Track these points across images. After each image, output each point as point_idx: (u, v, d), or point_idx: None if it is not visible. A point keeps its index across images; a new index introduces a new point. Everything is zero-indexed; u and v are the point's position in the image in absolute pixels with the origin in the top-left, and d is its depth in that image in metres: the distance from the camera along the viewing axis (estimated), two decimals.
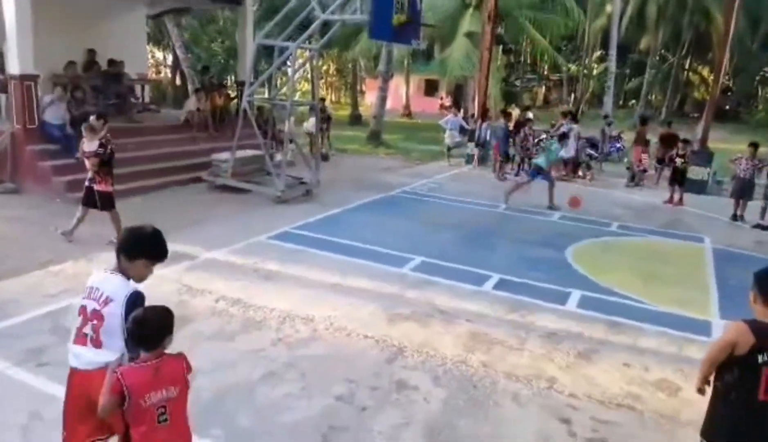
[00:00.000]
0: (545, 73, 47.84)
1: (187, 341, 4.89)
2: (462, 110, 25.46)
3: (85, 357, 2.60)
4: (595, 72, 42.56)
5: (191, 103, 13.23)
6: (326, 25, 11.34)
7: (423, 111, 34.83)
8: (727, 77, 36.04)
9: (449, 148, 16.65)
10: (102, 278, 2.65)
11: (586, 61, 41.69)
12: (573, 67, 43.01)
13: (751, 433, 2.98)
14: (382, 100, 21.41)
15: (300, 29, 11.08)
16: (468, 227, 9.50)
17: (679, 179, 12.50)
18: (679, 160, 12.53)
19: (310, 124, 14.47)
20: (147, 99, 15.14)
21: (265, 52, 17.68)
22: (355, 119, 28.73)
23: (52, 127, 9.86)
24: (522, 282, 6.85)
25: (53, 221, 8.07)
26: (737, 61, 36.98)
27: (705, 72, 41.09)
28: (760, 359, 2.77)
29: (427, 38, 23.43)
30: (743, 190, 11.26)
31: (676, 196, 12.51)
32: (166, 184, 10.66)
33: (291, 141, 11.86)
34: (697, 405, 4.36)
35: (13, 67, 9.41)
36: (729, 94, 40.84)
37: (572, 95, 44.38)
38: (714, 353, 2.91)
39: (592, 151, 16.28)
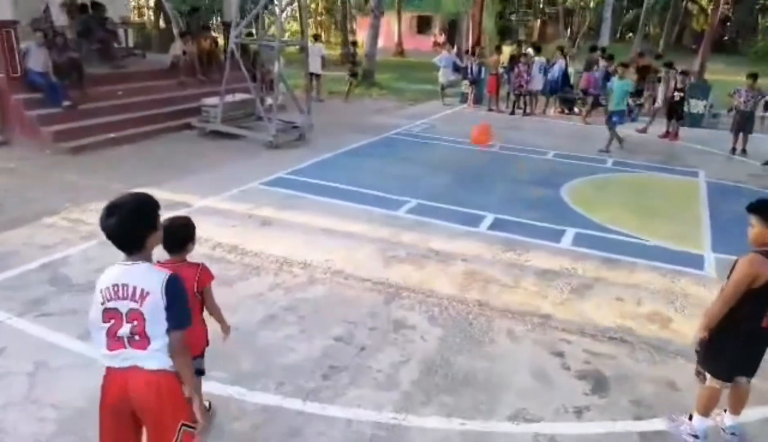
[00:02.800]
0: (541, 6, 46.50)
1: None
2: (456, 47, 24.89)
3: (122, 360, 2.29)
4: (592, 4, 41.43)
5: (177, 47, 12.86)
6: None
7: (416, 49, 34.00)
8: (726, 6, 35.14)
9: (443, 87, 16.37)
10: (124, 273, 2.28)
11: None
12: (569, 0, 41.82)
13: (752, 363, 3.12)
14: (374, 38, 20.85)
15: None
16: (462, 167, 9.46)
17: (678, 113, 12.36)
18: (677, 94, 12.36)
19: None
20: (131, 44, 14.71)
21: None
22: (346, 59, 28.09)
23: (36, 76, 9.60)
24: (517, 221, 6.89)
25: (44, 173, 8.00)
26: None
27: (704, 1, 40.00)
28: None
29: None
30: (743, 123, 11.11)
31: (672, 130, 12.43)
32: (156, 132, 10.50)
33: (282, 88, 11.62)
34: (687, 336, 4.49)
35: None
36: (728, 24, 39.94)
37: (569, 29, 43.34)
38: (732, 291, 2.94)
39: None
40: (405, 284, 5.16)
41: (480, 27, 17.23)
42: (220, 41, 14.90)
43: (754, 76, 11.09)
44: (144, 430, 2.41)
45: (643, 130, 12.85)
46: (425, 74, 20.94)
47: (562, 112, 15.23)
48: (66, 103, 9.72)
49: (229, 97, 10.89)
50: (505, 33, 34.45)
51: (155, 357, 2.28)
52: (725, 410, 3.39)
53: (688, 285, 5.39)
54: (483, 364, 4.04)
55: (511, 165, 9.78)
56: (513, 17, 40.11)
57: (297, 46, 15.69)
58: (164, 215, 5.76)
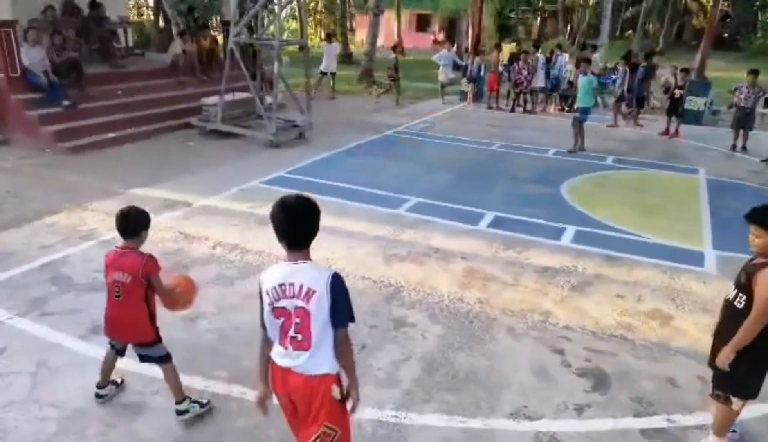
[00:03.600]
0: (540, 3, 46.46)
1: None
2: (455, 45, 24.86)
3: (289, 359, 2.37)
4: (591, 1, 41.35)
5: (177, 47, 12.86)
6: None
7: (415, 47, 34.00)
8: (725, 3, 35.10)
9: (443, 86, 16.36)
10: (290, 272, 2.36)
11: None
12: None
13: None
14: (373, 37, 20.85)
15: None
16: (462, 165, 9.46)
17: (678, 110, 12.35)
18: (677, 92, 12.35)
19: None
20: (131, 43, 14.70)
21: None
22: (346, 58, 28.06)
23: (36, 75, 9.60)
24: (517, 219, 6.89)
25: (44, 172, 8.00)
26: None
27: None
28: None
29: None
30: (744, 120, 11.06)
31: (672, 128, 12.41)
32: (156, 131, 10.51)
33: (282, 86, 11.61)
34: (688, 333, 4.50)
35: None
36: (728, 21, 39.89)
37: (568, 26, 43.30)
38: (764, 310, 2.82)
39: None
40: (405, 282, 5.17)
41: (479, 25, 17.18)
42: (220, 40, 14.91)
43: (754, 73, 11.04)
44: None
45: (613, 125, 13.08)
46: (425, 72, 20.93)
47: (562, 109, 15.21)
48: (66, 102, 9.73)
49: (228, 97, 10.89)
50: (504, 31, 34.40)
51: (314, 359, 2.34)
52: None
53: (688, 282, 5.39)
54: (484, 362, 4.04)
55: (511, 163, 9.78)
56: (512, 15, 40.05)
57: (297, 45, 15.70)
58: (164, 214, 5.76)
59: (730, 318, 3.01)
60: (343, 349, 2.39)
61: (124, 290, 3.17)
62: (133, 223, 3.21)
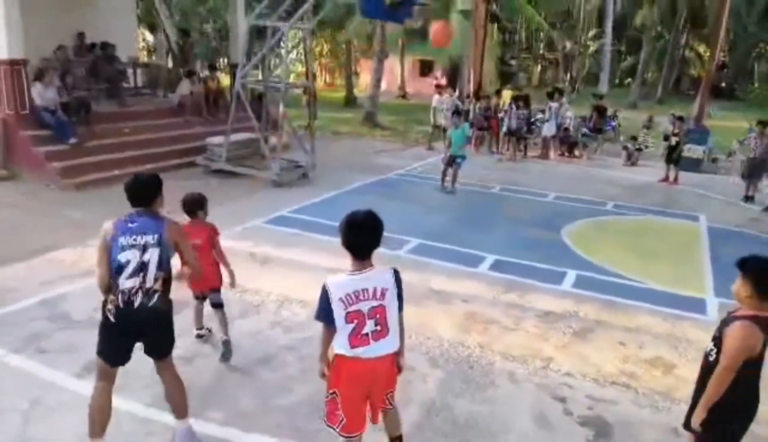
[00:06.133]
0: (541, 51, 47.52)
1: (185, 326, 4.92)
2: (457, 90, 25.28)
3: (370, 352, 2.83)
4: (591, 50, 42.31)
5: (184, 87, 13.11)
6: (319, 5, 11.22)
7: (418, 92, 34.60)
8: (722, 54, 35.87)
9: (445, 129, 16.51)
10: (363, 278, 2.83)
11: (582, 39, 41.44)
12: (569, 45, 42.74)
13: (750, 415, 2.94)
14: (377, 81, 21.24)
15: (292, 9, 10.95)
16: (463, 208, 9.51)
17: (674, 158, 12.49)
18: (673, 139, 12.51)
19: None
20: (139, 83, 14.99)
21: (258, 34, 17.52)
22: (350, 101, 28.53)
23: (45, 113, 9.77)
24: (517, 262, 6.88)
25: (48, 208, 8.05)
26: (733, 37, 36.80)
27: (701, 49, 40.86)
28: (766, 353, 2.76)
29: (421, 16, 23.18)
30: (754, 170, 11.04)
31: (672, 175, 12.52)
32: (161, 170, 10.44)
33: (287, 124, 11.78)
34: (691, 382, 4.43)
35: (2, 52, 9.28)
36: (725, 70, 40.70)
37: (568, 74, 44.17)
38: (731, 365, 2.72)
39: (586, 130, 16.25)
40: (405, 325, 5.11)
41: (481, 71, 17.53)
42: (225, 81, 15.23)
43: (764, 124, 11.03)
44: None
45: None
46: (428, 116, 21.23)
47: (562, 154, 15.38)
48: (73, 140, 9.86)
49: (234, 137, 11.04)
50: (505, 77, 35.08)
51: (392, 341, 2.92)
52: None
53: (690, 330, 5.34)
54: (484, 408, 3.98)
55: (511, 206, 9.82)
56: (513, 62, 40.92)
57: (302, 89, 15.98)
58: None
59: (705, 374, 2.89)
60: (403, 327, 3.03)
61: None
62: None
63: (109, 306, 3.15)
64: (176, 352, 4.41)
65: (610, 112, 20.23)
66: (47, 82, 9.86)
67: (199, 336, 4.71)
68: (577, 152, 15.45)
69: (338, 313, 2.78)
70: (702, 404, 2.83)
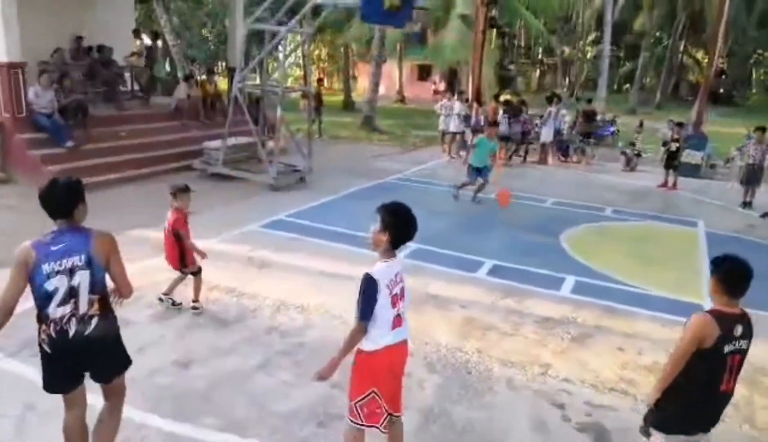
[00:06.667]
0: (540, 56, 47.64)
1: (182, 330, 4.89)
2: (456, 95, 25.30)
3: (404, 332, 3.03)
4: (589, 55, 42.40)
5: (182, 91, 13.09)
6: (318, 10, 11.22)
7: (416, 96, 34.64)
8: (721, 60, 35.99)
9: (444, 134, 16.52)
10: (392, 265, 2.96)
11: (581, 44, 41.52)
12: (567, 51, 42.84)
13: (705, 421, 2.99)
14: (375, 85, 21.25)
15: (291, 13, 10.96)
16: (462, 213, 9.49)
17: (673, 163, 12.49)
18: (673, 145, 12.52)
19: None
20: (136, 86, 14.95)
21: (256, 38, 17.52)
22: (348, 105, 28.55)
23: (42, 116, 9.74)
24: (516, 268, 6.86)
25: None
26: (731, 43, 36.91)
27: (699, 55, 41.02)
28: (726, 349, 2.80)
29: (420, 21, 23.23)
30: (752, 176, 11.01)
31: (671, 180, 12.52)
32: (158, 173, 10.57)
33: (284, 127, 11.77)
34: None
35: (0, 55, 9.25)
36: (723, 77, 40.84)
37: (567, 79, 44.27)
38: (681, 351, 2.85)
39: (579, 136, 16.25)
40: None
41: (480, 76, 17.53)
42: (222, 85, 15.19)
43: (762, 130, 11.03)
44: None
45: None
46: (426, 121, 21.27)
47: (564, 160, 15.38)
48: (70, 143, 9.83)
49: (231, 140, 11.01)
50: (504, 82, 35.13)
51: (407, 326, 3.07)
52: None
53: None
54: (482, 414, 3.94)
55: (510, 211, 9.80)
56: (512, 67, 40.99)
57: (300, 92, 15.99)
58: (162, 256, 5.71)
59: None
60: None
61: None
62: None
63: (42, 336, 2.85)
64: (172, 357, 4.40)
65: (609, 117, 20.29)
66: (45, 85, 9.83)
67: (160, 300, 5.30)
68: (575, 158, 15.45)
69: (384, 300, 2.87)
70: (656, 385, 3.00)
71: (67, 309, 2.80)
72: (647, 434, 3.11)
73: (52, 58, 11.53)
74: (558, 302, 5.93)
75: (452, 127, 15.95)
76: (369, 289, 2.84)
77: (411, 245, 7.38)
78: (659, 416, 3.05)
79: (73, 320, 2.82)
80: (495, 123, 15.45)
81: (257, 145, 11.16)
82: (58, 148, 9.73)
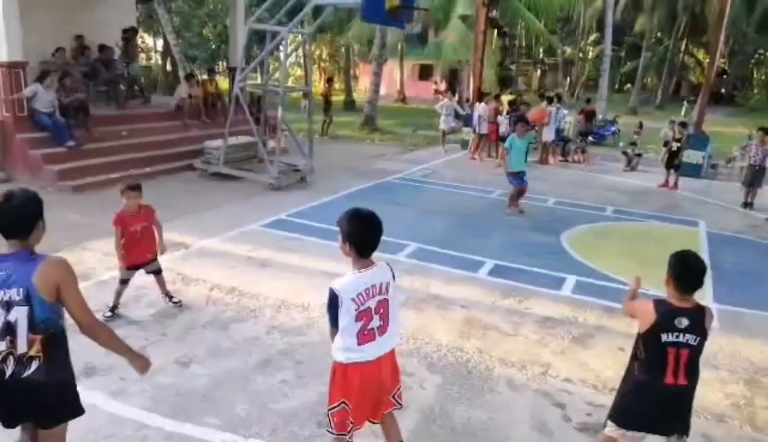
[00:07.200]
0: (540, 56, 47.63)
1: (183, 329, 4.89)
2: (457, 95, 25.34)
3: (376, 349, 2.82)
4: (590, 55, 42.38)
5: (183, 90, 13.09)
6: (318, 10, 11.22)
7: (417, 96, 34.65)
8: (722, 60, 35.98)
9: (444, 134, 16.57)
10: (370, 275, 2.80)
11: (582, 44, 41.51)
12: (568, 51, 42.82)
13: (651, 418, 2.98)
14: (376, 85, 21.27)
15: (292, 13, 10.96)
16: (462, 213, 9.48)
17: (675, 163, 12.48)
18: (675, 144, 12.51)
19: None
20: (138, 86, 14.96)
21: (257, 37, 17.53)
22: (349, 105, 28.57)
23: (43, 115, 9.74)
24: (517, 268, 6.85)
25: (45, 211, 7.99)
26: (732, 43, 36.91)
27: (700, 55, 41.00)
28: (663, 337, 2.86)
29: (421, 21, 23.25)
30: (755, 177, 10.98)
31: (672, 180, 12.51)
32: (158, 173, 10.58)
33: (284, 128, 11.78)
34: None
35: (1, 55, 9.27)
36: (724, 77, 40.82)
37: (568, 79, 44.26)
38: (626, 309, 3.27)
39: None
40: (403, 330, 5.08)
41: (481, 76, 17.55)
42: (223, 84, 15.17)
43: (765, 131, 10.98)
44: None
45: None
46: (427, 120, 21.28)
47: (564, 160, 15.38)
48: (71, 143, 9.84)
49: (232, 140, 11.02)
50: (504, 82, 35.14)
51: (393, 335, 2.92)
52: None
53: None
54: (482, 414, 3.94)
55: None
56: (513, 67, 40.99)
57: (301, 92, 15.99)
58: (162, 255, 5.70)
59: None
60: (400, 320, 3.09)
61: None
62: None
63: None
64: (172, 356, 4.40)
65: (610, 117, 20.30)
66: (47, 84, 9.83)
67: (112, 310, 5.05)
68: (576, 157, 15.44)
69: (348, 314, 2.72)
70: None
71: (3, 346, 2.40)
72: (604, 426, 3.19)
73: (53, 57, 11.53)
74: (559, 302, 5.92)
75: (443, 126, 16.07)
76: (330, 301, 2.76)
77: (411, 245, 7.41)
78: (613, 405, 3.15)
79: (10, 359, 2.40)
80: (495, 123, 15.51)
81: (258, 144, 11.17)
82: (59, 147, 9.74)
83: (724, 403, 4.27)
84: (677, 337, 2.85)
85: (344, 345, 2.77)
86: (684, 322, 2.85)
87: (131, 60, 13.57)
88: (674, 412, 2.99)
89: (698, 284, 2.95)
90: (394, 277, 2.95)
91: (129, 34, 13.58)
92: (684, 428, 3.02)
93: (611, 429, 3.10)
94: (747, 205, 11.07)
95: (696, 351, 2.89)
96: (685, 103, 28.38)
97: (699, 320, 2.90)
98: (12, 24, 9.13)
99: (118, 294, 5.09)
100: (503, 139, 14.45)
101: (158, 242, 5.27)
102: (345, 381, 2.81)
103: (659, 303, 2.94)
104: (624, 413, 3.06)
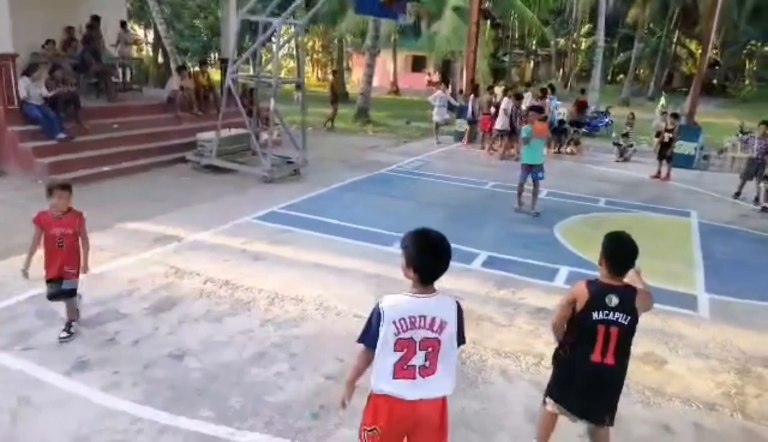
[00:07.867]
0: (534, 48, 47.58)
1: (176, 323, 4.88)
2: (450, 86, 25.29)
3: (415, 390, 2.46)
4: (583, 46, 42.39)
5: (174, 82, 13.01)
6: (311, 0, 11.15)
7: (410, 87, 34.58)
8: (714, 51, 36.07)
9: (438, 125, 16.55)
10: (423, 304, 2.48)
11: (575, 36, 41.49)
12: (561, 42, 42.80)
13: (579, 395, 3.09)
14: (369, 76, 21.20)
15: (284, 4, 10.88)
16: (456, 204, 9.49)
17: (667, 154, 12.52)
18: (667, 135, 12.54)
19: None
20: (129, 78, 14.86)
21: (250, 29, 17.42)
22: (342, 97, 28.47)
23: (33, 108, 9.66)
24: (510, 259, 6.88)
25: (36, 204, 7.94)
26: (724, 34, 36.99)
27: (693, 46, 41.07)
28: (594, 315, 2.96)
29: (414, 13, 23.14)
30: (755, 170, 10.90)
31: (664, 171, 12.56)
32: (151, 166, 10.53)
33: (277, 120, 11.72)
34: (682, 378, 4.45)
35: None
36: (716, 68, 40.93)
37: (561, 70, 44.28)
38: (559, 312, 3.12)
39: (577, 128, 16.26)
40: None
41: (474, 67, 17.51)
42: (215, 76, 15.05)
43: (766, 123, 10.90)
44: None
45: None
46: (420, 112, 21.25)
47: (557, 152, 15.40)
48: (61, 135, 9.76)
49: (224, 132, 10.96)
50: (498, 73, 35.11)
51: (443, 382, 2.50)
52: None
53: (681, 326, 5.36)
54: (476, 404, 3.96)
55: (504, 202, 9.80)
56: (506, 58, 40.95)
57: (294, 84, 15.90)
58: (155, 249, 5.69)
59: None
60: (455, 366, 2.59)
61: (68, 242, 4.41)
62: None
63: None
64: (167, 349, 4.40)
65: (603, 108, 20.32)
66: (37, 76, 9.74)
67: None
68: (569, 149, 15.47)
69: (387, 338, 2.42)
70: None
71: None
72: (543, 402, 3.31)
73: (44, 49, 11.43)
74: (552, 293, 5.94)
75: (436, 118, 16.07)
76: (372, 315, 2.50)
77: None
78: (550, 381, 3.28)
79: None
80: (488, 115, 15.49)
81: (251, 136, 11.12)
82: (50, 140, 9.66)
83: (714, 392, 4.31)
84: (607, 315, 2.95)
85: (376, 371, 2.50)
86: (614, 300, 2.97)
87: (95, 49, 12.78)
88: (600, 391, 3.07)
89: (630, 264, 3.09)
90: (461, 315, 2.57)
91: (91, 22, 13.04)
92: (609, 410, 3.11)
93: (550, 405, 3.24)
94: (738, 195, 11.11)
95: (626, 331, 3.00)
96: (663, 93, 28.59)
97: (629, 298, 2.99)
98: (1, 16, 9.02)
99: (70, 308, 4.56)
100: (511, 131, 14.22)
101: (83, 257, 4.59)
102: (375, 411, 2.55)
103: (591, 282, 3.06)
104: (555, 388, 3.21)
